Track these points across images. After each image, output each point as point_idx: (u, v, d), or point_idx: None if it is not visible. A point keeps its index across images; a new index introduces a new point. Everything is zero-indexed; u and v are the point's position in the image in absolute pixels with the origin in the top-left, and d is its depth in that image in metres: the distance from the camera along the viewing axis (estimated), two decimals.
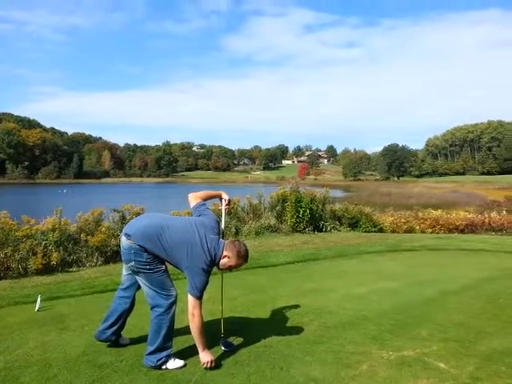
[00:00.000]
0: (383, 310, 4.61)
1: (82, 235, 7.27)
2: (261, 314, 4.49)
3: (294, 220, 10.88)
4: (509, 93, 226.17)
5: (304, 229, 10.89)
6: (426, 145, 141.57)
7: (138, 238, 3.27)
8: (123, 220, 8.03)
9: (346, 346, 3.63)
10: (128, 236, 3.31)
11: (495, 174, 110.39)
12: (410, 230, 13.73)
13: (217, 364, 3.24)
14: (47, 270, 6.54)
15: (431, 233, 13.43)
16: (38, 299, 4.65)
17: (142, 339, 3.73)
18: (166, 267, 3.41)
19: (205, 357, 3.22)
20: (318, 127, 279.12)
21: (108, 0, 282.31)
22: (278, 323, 4.21)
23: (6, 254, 6.34)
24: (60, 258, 6.70)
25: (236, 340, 3.75)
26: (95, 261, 7.16)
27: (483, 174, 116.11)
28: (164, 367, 3.23)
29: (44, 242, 6.73)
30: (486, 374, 3.12)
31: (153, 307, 3.33)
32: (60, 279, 6.19)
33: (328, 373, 3.15)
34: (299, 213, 10.88)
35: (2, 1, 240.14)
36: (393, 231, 13.31)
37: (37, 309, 4.57)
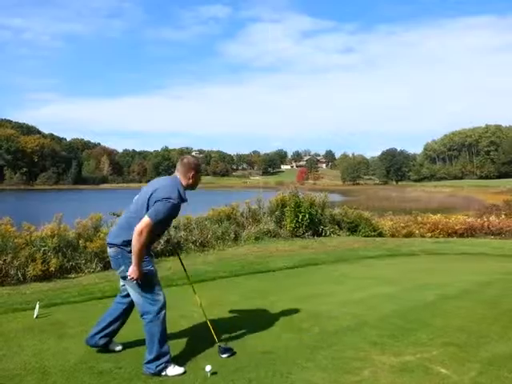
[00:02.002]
0: (383, 314, 4.59)
1: (80, 241, 7.24)
2: (260, 319, 4.46)
3: (293, 225, 10.86)
4: (506, 97, 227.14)
5: (303, 233, 10.88)
6: (425, 149, 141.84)
7: (116, 236, 3.39)
8: None
9: (346, 351, 3.61)
10: (110, 244, 3.41)
11: (493, 178, 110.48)
12: (410, 235, 13.70)
13: (215, 370, 3.22)
14: (46, 276, 6.51)
15: (430, 237, 13.40)
16: (37, 306, 4.62)
17: (139, 346, 3.71)
18: (155, 271, 3.42)
19: (133, 271, 3.23)
20: (317, 132, 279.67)
21: (107, 7, 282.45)
22: (277, 329, 4.19)
23: (5, 260, 6.31)
24: (59, 265, 6.68)
25: (236, 346, 3.72)
26: (94, 267, 7.13)
27: (481, 178, 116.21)
28: (164, 373, 3.21)
29: (43, 249, 6.70)
30: (489, 380, 3.10)
31: (142, 315, 3.36)
32: (59, 286, 6.16)
33: (329, 379, 3.12)
34: (298, 217, 10.87)
35: (1, 8, 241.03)
36: (392, 235, 13.30)
37: (35, 316, 4.54)
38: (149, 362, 3.25)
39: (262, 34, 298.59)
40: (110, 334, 3.61)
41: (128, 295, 3.53)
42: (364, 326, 4.25)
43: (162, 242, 8.27)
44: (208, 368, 3.16)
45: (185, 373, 3.24)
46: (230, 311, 4.71)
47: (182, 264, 4.04)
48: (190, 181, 3.50)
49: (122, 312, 3.61)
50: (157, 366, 3.22)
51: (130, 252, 3.26)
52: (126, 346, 3.72)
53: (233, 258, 8.25)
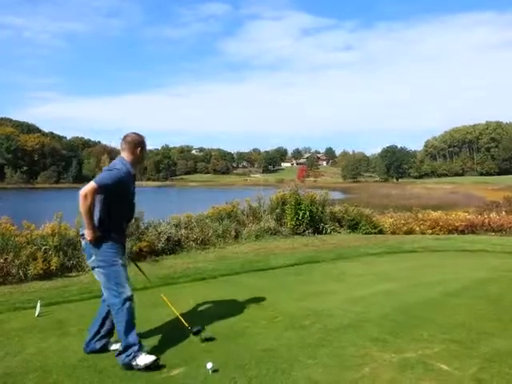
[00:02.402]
0: (384, 311, 4.59)
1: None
2: (261, 317, 4.46)
3: (293, 222, 10.86)
4: (507, 94, 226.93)
5: (304, 231, 10.88)
6: (425, 146, 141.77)
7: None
8: None
9: (347, 348, 3.62)
10: (82, 235, 3.50)
11: (494, 175, 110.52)
12: (410, 232, 13.70)
13: (217, 368, 3.23)
14: (47, 275, 6.51)
15: (431, 234, 13.40)
16: (38, 304, 4.63)
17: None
18: (122, 264, 3.45)
19: (88, 234, 3.36)
20: (317, 130, 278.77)
21: (106, 6, 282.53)
22: (278, 326, 4.19)
23: (6, 259, 6.32)
24: (59, 263, 6.68)
25: (237, 344, 3.73)
26: None
27: (482, 174, 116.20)
28: (134, 363, 3.25)
29: (44, 247, 6.71)
30: (490, 376, 3.10)
31: (109, 306, 3.46)
32: (60, 284, 6.16)
33: (330, 376, 3.13)
34: (299, 215, 10.87)
35: (1, 7, 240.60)
36: (393, 233, 13.30)
37: (36, 314, 4.55)
38: (119, 353, 3.32)
39: (262, 32, 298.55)
40: (105, 336, 3.61)
41: None
42: (365, 323, 4.25)
43: (162, 240, 8.28)
44: (209, 365, 3.16)
45: (156, 360, 3.26)
46: (231, 309, 4.71)
47: (139, 268, 4.13)
48: (137, 157, 3.62)
49: (107, 310, 3.59)
50: (126, 357, 3.28)
51: (100, 241, 3.38)
52: None
53: (233, 255, 8.25)
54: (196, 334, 3.82)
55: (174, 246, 8.56)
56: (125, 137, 3.63)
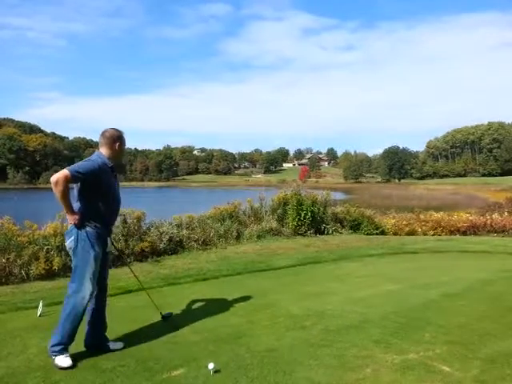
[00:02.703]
0: (386, 312, 4.59)
1: None
2: (263, 317, 4.46)
3: (295, 223, 10.86)
4: (510, 94, 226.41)
5: (305, 232, 10.88)
6: (427, 147, 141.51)
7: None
8: (124, 224, 8.02)
9: (349, 349, 3.62)
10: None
11: (496, 176, 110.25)
12: (412, 233, 13.69)
13: (217, 369, 3.24)
14: (49, 275, 6.52)
15: (433, 235, 13.39)
16: (40, 304, 4.64)
17: (142, 344, 3.73)
18: (93, 260, 3.46)
19: (70, 219, 3.45)
20: (319, 130, 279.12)
21: (108, 7, 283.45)
22: (280, 327, 4.19)
23: (8, 259, 6.33)
24: (62, 263, 6.69)
25: (239, 344, 3.74)
26: None
27: (484, 175, 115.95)
28: (53, 359, 3.32)
29: (46, 247, 6.72)
30: (491, 377, 3.09)
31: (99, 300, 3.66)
32: (62, 284, 6.15)
33: (332, 377, 3.13)
34: (301, 216, 10.87)
35: (3, 8, 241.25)
36: (394, 233, 13.28)
37: (39, 314, 4.56)
38: (52, 345, 3.38)
39: (263, 32, 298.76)
40: (97, 328, 3.65)
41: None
42: (367, 323, 4.25)
43: (164, 240, 8.29)
44: (211, 366, 3.17)
45: (72, 367, 3.28)
46: (232, 309, 4.72)
47: (133, 272, 4.39)
48: (115, 151, 3.67)
49: (98, 296, 3.65)
50: (52, 351, 3.35)
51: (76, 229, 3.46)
52: (129, 344, 3.73)
53: (235, 256, 8.25)
54: (165, 318, 4.23)
55: (176, 247, 8.57)
56: (103, 132, 3.68)
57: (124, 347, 3.66)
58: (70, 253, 3.56)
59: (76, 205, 3.50)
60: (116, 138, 3.66)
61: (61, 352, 3.34)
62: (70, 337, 3.42)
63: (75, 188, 3.49)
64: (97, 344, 3.63)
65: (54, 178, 3.28)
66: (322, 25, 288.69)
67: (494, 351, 3.56)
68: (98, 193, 3.51)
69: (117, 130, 3.72)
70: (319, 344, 3.73)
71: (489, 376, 3.11)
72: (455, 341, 3.77)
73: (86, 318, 3.63)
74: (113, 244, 3.85)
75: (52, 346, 3.38)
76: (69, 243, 3.53)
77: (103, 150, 3.63)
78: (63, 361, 3.31)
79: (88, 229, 3.47)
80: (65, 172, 3.32)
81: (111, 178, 3.64)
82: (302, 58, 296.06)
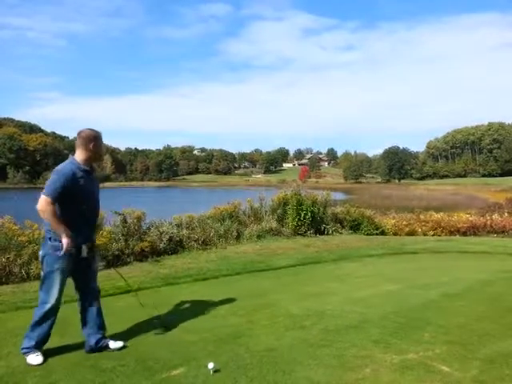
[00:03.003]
0: (385, 313, 4.59)
1: None
2: (263, 317, 4.47)
3: (295, 223, 10.87)
4: (510, 95, 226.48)
5: (305, 232, 10.88)
6: (427, 147, 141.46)
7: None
8: (124, 223, 8.03)
9: (348, 349, 3.62)
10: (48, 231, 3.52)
11: (496, 176, 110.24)
12: (412, 233, 13.70)
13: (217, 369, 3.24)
14: None
15: (433, 235, 13.40)
16: None
17: (142, 344, 3.73)
18: (60, 271, 3.48)
19: (66, 243, 3.36)
20: (319, 130, 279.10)
21: (108, 7, 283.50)
22: (280, 327, 4.19)
23: (8, 258, 6.34)
24: None
25: (238, 344, 3.74)
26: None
27: (484, 176, 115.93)
28: (25, 356, 3.41)
29: None
30: (491, 378, 3.10)
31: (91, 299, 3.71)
32: None
33: (331, 377, 3.13)
34: (300, 216, 10.87)
35: (3, 8, 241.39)
36: (394, 234, 13.29)
37: None
38: (23, 347, 3.47)
39: (264, 33, 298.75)
40: (93, 326, 3.66)
41: (76, 287, 3.73)
42: (366, 324, 4.25)
43: (164, 240, 8.29)
44: (211, 365, 3.17)
45: (43, 363, 3.37)
46: (232, 309, 4.72)
47: (120, 274, 4.40)
48: (92, 152, 3.60)
49: (81, 303, 3.72)
50: (23, 348, 3.46)
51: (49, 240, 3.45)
52: (128, 344, 3.73)
53: (235, 256, 8.26)
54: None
55: (176, 246, 8.57)
56: (79, 132, 3.64)
57: (124, 347, 3.67)
58: (39, 262, 3.61)
59: None
60: (92, 138, 3.59)
61: (33, 351, 3.44)
62: (42, 340, 3.51)
63: None
64: (96, 346, 3.62)
65: (39, 207, 3.32)
66: (322, 25, 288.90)
67: (493, 351, 3.56)
68: (70, 201, 3.44)
69: (93, 130, 3.66)
70: (319, 344, 3.74)
71: (488, 376, 3.12)
72: (454, 341, 3.78)
73: (80, 322, 3.70)
74: (91, 248, 3.65)
75: (23, 349, 3.47)
76: (40, 253, 3.57)
77: (78, 151, 3.58)
78: (34, 359, 3.40)
79: (57, 241, 3.42)
80: (45, 199, 3.33)
81: (87, 183, 3.55)
82: (302, 58, 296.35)
